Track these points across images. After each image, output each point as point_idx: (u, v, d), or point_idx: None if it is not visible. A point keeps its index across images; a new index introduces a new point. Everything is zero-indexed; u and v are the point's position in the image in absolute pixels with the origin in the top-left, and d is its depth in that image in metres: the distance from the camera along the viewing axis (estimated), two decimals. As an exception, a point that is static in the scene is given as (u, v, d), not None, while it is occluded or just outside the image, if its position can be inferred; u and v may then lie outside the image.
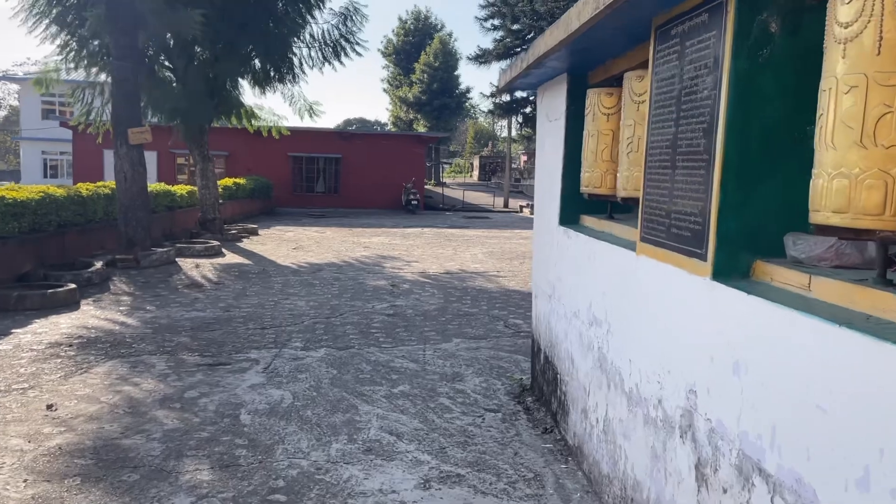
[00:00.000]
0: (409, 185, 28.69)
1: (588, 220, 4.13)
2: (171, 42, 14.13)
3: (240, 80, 16.49)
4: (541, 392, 4.75)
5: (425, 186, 34.28)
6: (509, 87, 4.93)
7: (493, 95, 29.21)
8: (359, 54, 16.23)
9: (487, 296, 9.46)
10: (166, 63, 14.73)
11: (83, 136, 28.08)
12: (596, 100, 3.80)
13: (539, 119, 4.93)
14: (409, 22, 55.82)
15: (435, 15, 56.34)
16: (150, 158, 28.95)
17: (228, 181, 22.29)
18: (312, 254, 13.82)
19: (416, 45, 54.23)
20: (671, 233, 2.54)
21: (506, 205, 33.66)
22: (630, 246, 3.07)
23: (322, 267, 11.96)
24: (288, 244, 15.60)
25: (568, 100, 4.25)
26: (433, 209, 31.25)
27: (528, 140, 31.91)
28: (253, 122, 18.61)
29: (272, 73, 16.11)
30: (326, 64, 16.04)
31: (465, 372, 5.65)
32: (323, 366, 5.78)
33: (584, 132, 3.92)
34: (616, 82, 3.81)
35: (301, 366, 5.77)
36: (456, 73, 51.94)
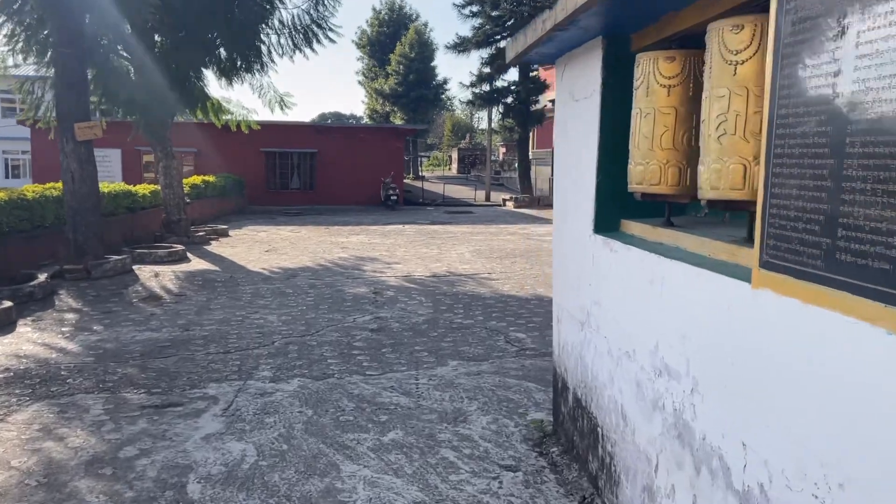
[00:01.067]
0: (388, 180, 27.63)
1: (634, 228, 3.18)
2: (129, 29, 12.92)
3: (204, 70, 15.31)
4: (570, 442, 3.79)
5: (404, 181, 33.23)
6: (521, 59, 3.94)
7: (472, 85, 28.23)
8: (332, 41, 15.14)
9: (481, 303, 8.49)
10: (123, 53, 13.52)
11: (41, 133, 26.67)
12: (651, 67, 2.83)
13: (560, 99, 3.95)
14: (383, 12, 54.56)
15: (409, 5, 55.11)
16: (114, 157, 27.66)
17: (196, 179, 21.08)
18: (286, 257, 12.75)
19: (391, 36, 53.03)
20: (839, 261, 1.58)
21: (487, 198, 32.74)
22: (735, 272, 2.11)
23: (296, 272, 10.91)
24: (260, 246, 14.50)
25: (604, 71, 3.28)
26: (413, 204, 30.23)
27: (510, 131, 30.96)
28: (220, 115, 17.46)
29: (239, 63, 14.94)
30: (297, 51, 14.94)
31: (469, 408, 4.68)
32: (296, 404, 4.77)
33: (634, 112, 2.95)
34: (673, 44, 2.85)
35: (269, 404, 4.76)
36: (433, 64, 50.86)
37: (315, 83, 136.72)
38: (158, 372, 5.54)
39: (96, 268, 9.71)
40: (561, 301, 3.95)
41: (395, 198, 27.10)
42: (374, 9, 55.78)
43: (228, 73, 15.31)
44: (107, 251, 12.12)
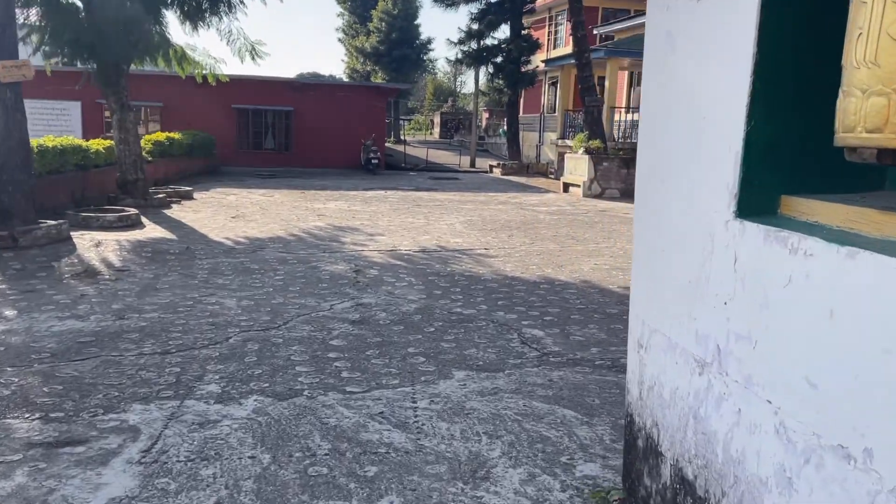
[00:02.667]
0: (369, 143, 26.02)
1: (821, 210, 1.83)
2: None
3: (165, 11, 13.59)
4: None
5: (386, 144, 31.62)
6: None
7: (460, 42, 26.55)
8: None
9: (482, 287, 7.16)
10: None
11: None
12: None
13: (657, 4, 2.55)
14: (365, -34, 51.99)
15: (394, -41, 52.42)
16: (73, 110, 25.61)
17: (161, 135, 19.36)
18: (255, 224, 11.29)
19: (373, -8, 50.66)
20: None
21: (473, 164, 31.26)
22: None
23: (265, 243, 9.48)
24: (226, 211, 12.99)
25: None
26: (395, 168, 28.68)
27: (499, 92, 29.36)
28: (184, 65, 15.73)
29: (204, 4, 13.22)
30: (270, -9, 13.22)
31: (491, 453, 3.36)
32: (248, 441, 3.42)
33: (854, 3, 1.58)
34: None
35: (210, 442, 3.41)
36: (416, 23, 48.80)
37: (291, 41, 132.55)
38: (68, 383, 4.15)
39: (25, 235, 8.20)
40: (650, 318, 2.59)
41: (376, 161, 25.54)
42: (356, -38, 53.18)
43: (192, 15, 13.59)
44: (46, 215, 10.59)
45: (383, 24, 46.99)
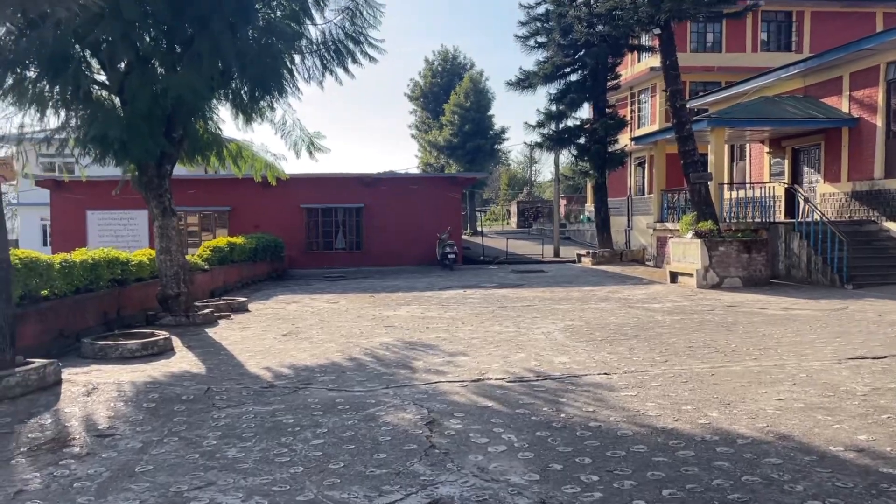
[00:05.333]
0: (445, 236, 24.13)
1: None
2: (106, 43, 9.86)
3: (215, 103, 12.20)
4: None
5: (462, 237, 29.73)
6: None
7: (539, 125, 24.73)
8: (372, 59, 11.80)
9: (625, 452, 4.61)
10: (97, 72, 10.47)
11: (62, 193, 24.31)
12: None
13: None
14: (436, 63, 52.40)
15: (463, 54, 52.74)
16: (141, 219, 24.95)
17: (222, 241, 17.99)
18: (307, 345, 9.15)
19: (444, 87, 50.68)
20: None
21: (557, 254, 28.88)
22: None
23: (313, 375, 7.26)
24: (280, 326, 10.98)
25: None
26: (473, 262, 26.59)
27: (584, 175, 27.21)
28: (240, 163, 14.31)
29: (257, 93, 11.68)
30: (328, 73, 11.63)
31: None
32: None
33: None
34: None
35: None
36: (489, 114, 48.04)
37: (366, 143, 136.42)
38: None
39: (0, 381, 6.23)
40: None
41: (452, 256, 23.54)
42: (426, 60, 53.67)
43: (247, 107, 12.10)
44: (62, 343, 8.83)
45: (456, 116, 46.37)
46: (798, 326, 9.81)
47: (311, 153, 13.18)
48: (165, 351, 8.80)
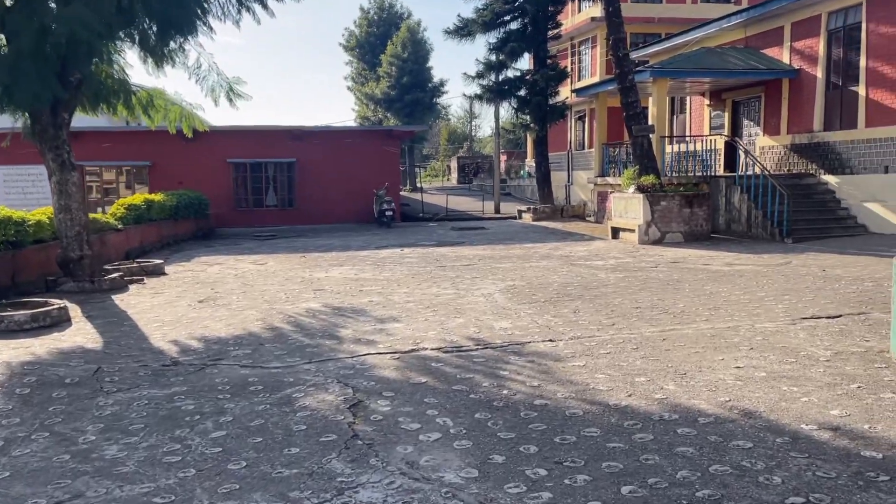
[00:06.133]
0: (382, 193, 23.21)
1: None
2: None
3: (119, 44, 10.91)
4: None
5: (401, 193, 28.85)
6: None
7: (478, 76, 23.85)
8: (294, -5, 10.68)
9: (576, 436, 4.02)
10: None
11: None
12: None
13: None
14: (371, 12, 50.50)
15: (401, 2, 50.80)
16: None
17: (138, 198, 16.64)
18: (225, 312, 8.28)
19: (381, 37, 48.95)
20: None
21: (497, 210, 28.34)
22: None
23: (226, 349, 6.44)
24: (198, 291, 10.04)
25: None
26: (412, 220, 25.81)
27: (525, 129, 26.54)
28: (152, 113, 13.03)
29: (165, 33, 10.40)
30: (244, 10, 10.47)
31: None
32: None
33: None
34: None
35: None
36: (428, 66, 46.71)
37: (301, 97, 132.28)
38: None
39: None
40: None
41: (390, 213, 22.68)
42: (362, 8, 51.64)
43: (155, 49, 10.82)
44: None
45: (393, 68, 44.89)
46: (745, 283, 9.48)
47: (230, 100, 12.02)
48: (60, 322, 7.80)
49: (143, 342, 6.82)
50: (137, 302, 9.26)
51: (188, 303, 9.08)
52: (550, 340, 6.44)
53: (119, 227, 14.39)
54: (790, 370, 5.20)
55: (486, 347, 6.26)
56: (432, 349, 6.24)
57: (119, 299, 9.48)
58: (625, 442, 3.92)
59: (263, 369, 5.71)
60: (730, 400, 4.57)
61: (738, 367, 5.32)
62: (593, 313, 7.69)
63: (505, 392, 4.91)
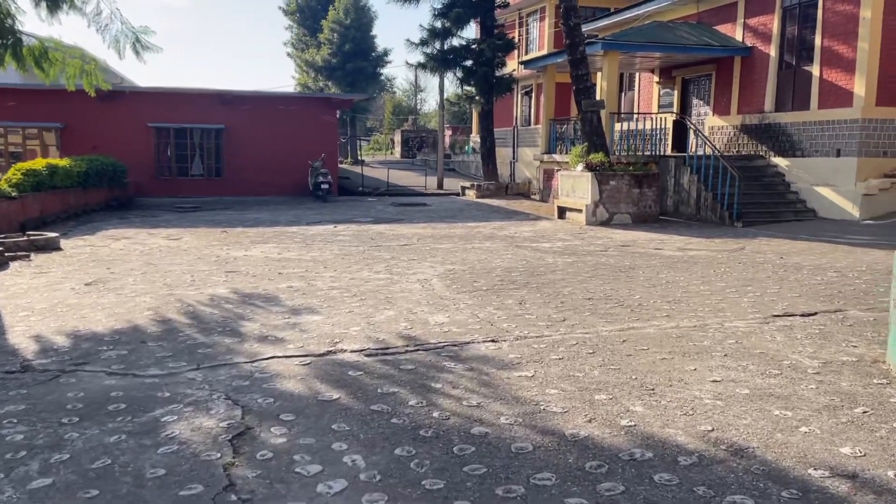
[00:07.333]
0: (318, 164, 21.87)
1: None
2: None
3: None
4: None
5: (340, 165, 27.49)
6: None
7: (422, 43, 22.60)
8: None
9: (532, 495, 3.05)
10: None
11: None
12: None
13: None
14: (313, -26, 48.05)
15: (344, -33, 48.51)
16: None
17: (39, 163, 14.94)
18: (113, 298, 7.03)
19: (322, 2, 46.79)
20: None
21: (440, 186, 27.31)
22: None
23: (97, 349, 5.24)
24: (90, 271, 8.70)
25: None
26: (351, 194, 24.56)
27: (470, 101, 25.46)
28: (46, 66, 11.39)
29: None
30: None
31: None
32: None
33: None
34: None
35: None
36: (372, 34, 44.96)
37: (242, 61, 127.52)
38: None
39: None
40: None
41: (326, 186, 21.38)
42: (303, -30, 49.12)
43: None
44: None
45: (335, 35, 43.00)
46: (702, 271, 8.73)
47: (137, 52, 10.52)
48: None
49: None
50: (12, 283, 7.88)
51: (73, 285, 7.76)
52: (493, 341, 5.47)
53: (13, 194, 12.76)
54: (777, 386, 4.36)
55: (418, 349, 5.25)
56: (352, 351, 5.19)
57: (-9, 280, 8.08)
58: (588, 496, 2.97)
59: (135, 378, 4.55)
60: (713, 430, 3.68)
61: (714, 381, 4.46)
62: (541, 305, 6.76)
63: (436, 415, 3.90)
